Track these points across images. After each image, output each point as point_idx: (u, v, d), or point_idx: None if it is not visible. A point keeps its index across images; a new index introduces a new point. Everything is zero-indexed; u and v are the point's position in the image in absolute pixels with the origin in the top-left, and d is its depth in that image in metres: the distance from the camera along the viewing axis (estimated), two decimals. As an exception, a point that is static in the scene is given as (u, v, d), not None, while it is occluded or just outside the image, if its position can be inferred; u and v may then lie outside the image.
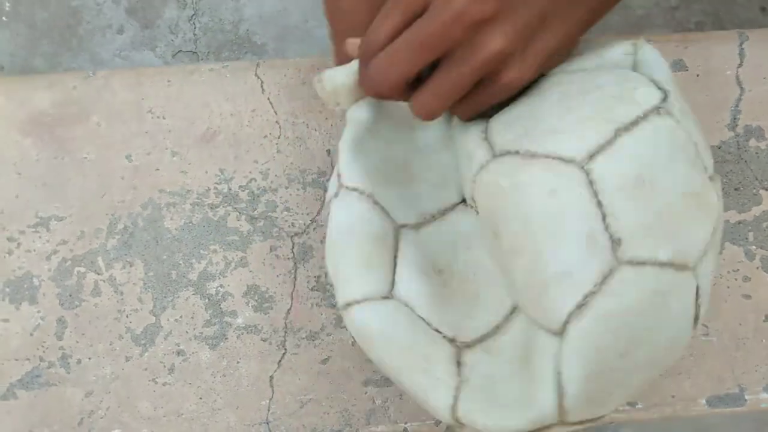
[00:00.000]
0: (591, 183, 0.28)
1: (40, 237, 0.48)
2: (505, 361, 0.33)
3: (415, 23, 0.30)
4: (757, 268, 0.49)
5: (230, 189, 0.48)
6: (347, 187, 0.35)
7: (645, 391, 0.46)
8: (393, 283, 0.33)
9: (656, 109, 0.30)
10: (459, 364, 0.32)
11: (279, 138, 0.49)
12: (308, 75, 0.49)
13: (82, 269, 0.47)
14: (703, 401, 0.47)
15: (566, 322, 0.28)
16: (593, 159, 0.28)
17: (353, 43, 0.35)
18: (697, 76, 0.51)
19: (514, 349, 0.33)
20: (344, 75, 0.35)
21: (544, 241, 0.29)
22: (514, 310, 0.34)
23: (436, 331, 0.33)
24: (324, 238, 0.47)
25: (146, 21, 1.33)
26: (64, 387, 0.46)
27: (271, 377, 0.46)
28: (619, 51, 0.34)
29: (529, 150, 0.30)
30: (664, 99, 0.31)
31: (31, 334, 0.47)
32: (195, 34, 1.32)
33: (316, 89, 0.36)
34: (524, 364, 0.32)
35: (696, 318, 0.31)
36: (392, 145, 0.37)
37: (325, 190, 0.48)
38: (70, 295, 0.47)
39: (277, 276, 0.48)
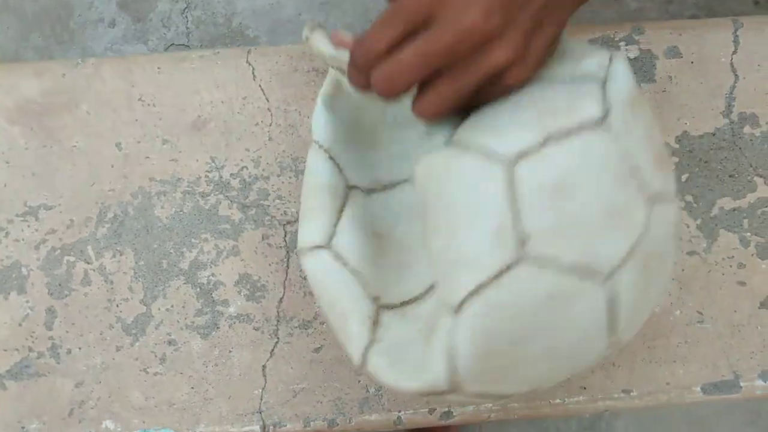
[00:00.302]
0: (511, 182, 0.29)
1: (28, 226, 0.47)
2: (415, 329, 0.35)
3: (422, 37, 0.31)
4: (752, 255, 0.49)
5: (221, 177, 0.48)
6: (313, 140, 0.38)
7: (553, 385, 0.41)
8: (333, 235, 0.37)
9: (593, 124, 0.30)
10: (375, 323, 0.35)
11: (270, 125, 0.48)
12: (300, 62, 0.49)
13: (72, 258, 0.47)
14: (698, 388, 0.47)
15: (461, 303, 0.30)
16: (518, 161, 0.30)
17: (344, 36, 0.37)
18: (692, 63, 0.50)
19: (426, 320, 0.36)
20: (329, 55, 0.38)
21: (459, 226, 0.30)
22: (432, 285, 0.37)
23: (365, 285, 0.36)
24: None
25: (138, 14, 1.32)
26: (53, 377, 0.46)
27: (264, 366, 0.46)
28: (594, 62, 0.35)
29: (467, 142, 0.32)
30: (605, 116, 0.31)
31: (20, 324, 0.46)
32: (187, 28, 1.31)
33: (303, 38, 0.39)
34: (428, 334, 0.34)
35: (612, 327, 0.32)
36: (363, 111, 0.39)
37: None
38: (60, 285, 0.46)
39: (270, 265, 0.47)
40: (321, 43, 0.38)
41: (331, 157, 0.38)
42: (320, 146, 0.38)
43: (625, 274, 0.31)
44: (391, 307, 0.36)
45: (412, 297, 0.37)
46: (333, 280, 0.36)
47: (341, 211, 0.37)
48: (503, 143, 0.31)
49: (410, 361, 0.34)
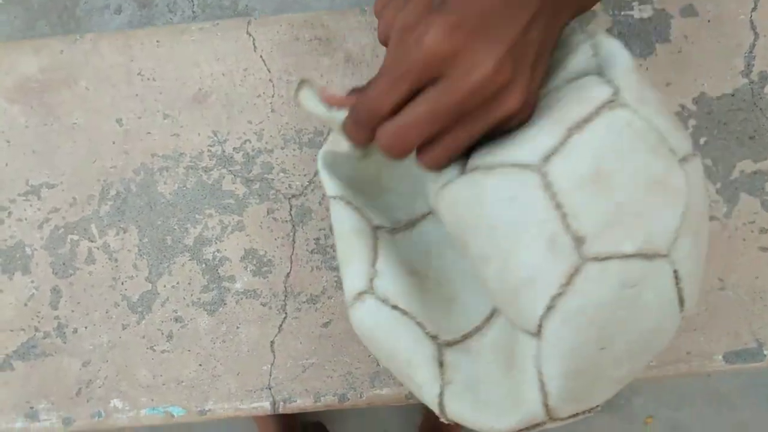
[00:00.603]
0: (548, 185, 0.28)
1: (31, 205, 0.46)
2: (487, 361, 0.33)
3: (433, 93, 0.29)
4: (774, 219, 0.47)
5: (224, 151, 0.47)
6: (329, 196, 0.36)
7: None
8: (374, 275, 0.34)
9: (607, 104, 0.29)
10: (441, 364, 0.33)
11: (273, 97, 0.47)
12: (301, 30, 0.47)
13: (76, 237, 0.46)
14: (720, 357, 0.45)
15: (540, 325, 0.29)
16: (548, 161, 0.28)
17: (334, 94, 0.35)
18: (708, 21, 0.48)
19: (496, 351, 0.33)
20: (322, 115, 0.34)
21: (509, 247, 0.29)
22: (493, 312, 0.35)
23: (419, 324, 0.33)
24: (323, 198, 0.46)
25: (144, 0, 1.31)
26: (60, 357, 0.45)
27: (272, 342, 0.45)
28: (581, 59, 0.33)
29: (489, 163, 0.31)
30: (616, 93, 0.30)
31: (26, 305, 0.46)
32: (193, 11, 1.29)
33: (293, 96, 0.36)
34: (509, 364, 0.32)
35: (681, 301, 0.31)
36: (364, 159, 0.37)
37: (323, 150, 0.47)
38: (64, 264, 0.46)
39: (276, 239, 0.46)
40: (311, 103, 0.34)
41: (348, 203, 0.36)
42: (334, 197, 0.36)
43: (681, 244, 0.29)
44: (452, 343, 0.34)
45: (471, 329, 0.35)
46: (387, 325, 0.33)
47: (375, 250, 0.35)
48: (527, 152, 0.29)
49: (493, 398, 0.32)
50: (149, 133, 0.47)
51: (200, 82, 0.47)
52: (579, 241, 0.28)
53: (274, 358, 0.45)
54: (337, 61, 0.47)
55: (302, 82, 0.34)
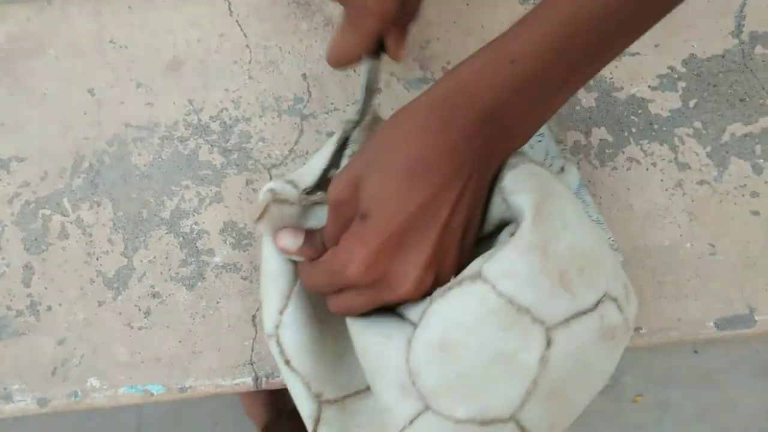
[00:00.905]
0: (408, 343, 0.31)
1: (0, 180, 0.45)
2: (357, 425, 0.37)
3: (363, 297, 0.32)
4: (766, 182, 0.46)
5: (200, 120, 0.45)
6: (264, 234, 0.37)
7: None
8: (279, 324, 0.36)
9: (471, 277, 0.30)
10: (317, 421, 0.36)
11: (250, 63, 0.45)
12: (279, -6, 0.46)
13: (47, 212, 0.44)
14: (711, 324, 0.45)
15: None
16: (416, 324, 0.31)
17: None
18: (698, -19, 0.47)
19: (371, 417, 0.37)
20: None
21: (375, 371, 0.33)
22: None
23: (305, 384, 0.36)
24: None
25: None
26: (34, 336, 0.43)
27: (254, 317, 0.44)
28: (496, 211, 0.34)
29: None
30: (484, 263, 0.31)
31: (-3, 282, 0.44)
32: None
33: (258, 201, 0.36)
34: None
35: None
36: (324, 322, 0.39)
37: (302, 118, 0.45)
38: (36, 240, 0.44)
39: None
40: (275, 232, 0.36)
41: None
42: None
43: (530, 408, 0.31)
44: (332, 401, 0.37)
45: (353, 393, 0.37)
46: (283, 370, 0.36)
47: (287, 298, 0.37)
48: (413, 309, 0.32)
49: None
50: (122, 102, 0.45)
51: (174, 49, 0.45)
52: (421, 396, 0.31)
53: (256, 332, 0.44)
54: (316, 24, 0.45)
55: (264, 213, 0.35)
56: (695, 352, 1.31)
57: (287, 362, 0.36)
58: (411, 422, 0.31)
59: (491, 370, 0.30)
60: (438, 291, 0.31)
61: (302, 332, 0.36)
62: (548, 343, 0.31)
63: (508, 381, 0.30)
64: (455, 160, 0.30)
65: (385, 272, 0.30)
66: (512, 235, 0.31)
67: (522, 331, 0.30)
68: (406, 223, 0.30)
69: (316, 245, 0.34)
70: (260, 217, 0.35)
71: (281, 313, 0.36)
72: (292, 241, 0.35)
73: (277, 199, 0.35)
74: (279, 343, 0.36)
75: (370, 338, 0.33)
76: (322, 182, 0.37)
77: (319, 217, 0.36)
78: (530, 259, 0.30)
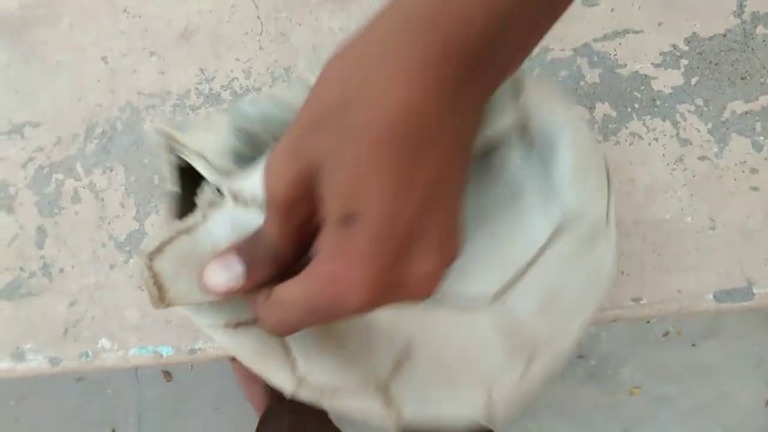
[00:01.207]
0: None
1: (14, 144, 0.45)
2: None
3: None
4: (765, 159, 0.47)
5: (212, 89, 0.46)
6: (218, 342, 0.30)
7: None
8: (304, 378, 0.30)
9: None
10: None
11: (261, 34, 0.46)
12: (290, -33, 0.46)
13: (61, 176, 0.45)
14: (710, 296, 0.46)
15: None
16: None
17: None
18: (701, -38, 0.48)
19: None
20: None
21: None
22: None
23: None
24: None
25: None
26: (47, 297, 0.44)
27: (262, 282, 0.45)
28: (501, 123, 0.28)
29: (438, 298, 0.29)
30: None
31: (10, 245, 0.45)
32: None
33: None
34: None
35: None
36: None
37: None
38: (49, 203, 0.45)
39: (265, 179, 0.45)
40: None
41: (237, 324, 0.30)
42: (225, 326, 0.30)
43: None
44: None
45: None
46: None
47: (290, 357, 0.31)
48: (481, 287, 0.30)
49: None
50: (135, 71, 0.46)
51: (187, 19, 0.46)
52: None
53: (264, 297, 0.44)
54: (327, -3, 0.46)
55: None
56: (692, 345, 1.32)
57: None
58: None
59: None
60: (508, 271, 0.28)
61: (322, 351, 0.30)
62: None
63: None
64: (457, 110, 0.21)
65: (396, 286, 0.22)
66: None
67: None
68: (414, 217, 0.21)
69: (263, 258, 0.23)
70: (161, 292, 0.24)
71: (295, 372, 0.30)
72: (226, 273, 0.23)
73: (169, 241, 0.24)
74: (311, 384, 0.30)
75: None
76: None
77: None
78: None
